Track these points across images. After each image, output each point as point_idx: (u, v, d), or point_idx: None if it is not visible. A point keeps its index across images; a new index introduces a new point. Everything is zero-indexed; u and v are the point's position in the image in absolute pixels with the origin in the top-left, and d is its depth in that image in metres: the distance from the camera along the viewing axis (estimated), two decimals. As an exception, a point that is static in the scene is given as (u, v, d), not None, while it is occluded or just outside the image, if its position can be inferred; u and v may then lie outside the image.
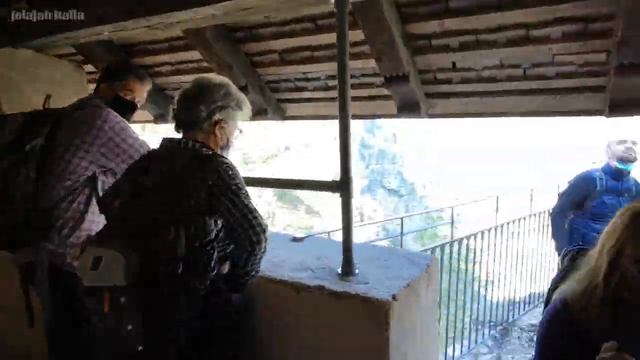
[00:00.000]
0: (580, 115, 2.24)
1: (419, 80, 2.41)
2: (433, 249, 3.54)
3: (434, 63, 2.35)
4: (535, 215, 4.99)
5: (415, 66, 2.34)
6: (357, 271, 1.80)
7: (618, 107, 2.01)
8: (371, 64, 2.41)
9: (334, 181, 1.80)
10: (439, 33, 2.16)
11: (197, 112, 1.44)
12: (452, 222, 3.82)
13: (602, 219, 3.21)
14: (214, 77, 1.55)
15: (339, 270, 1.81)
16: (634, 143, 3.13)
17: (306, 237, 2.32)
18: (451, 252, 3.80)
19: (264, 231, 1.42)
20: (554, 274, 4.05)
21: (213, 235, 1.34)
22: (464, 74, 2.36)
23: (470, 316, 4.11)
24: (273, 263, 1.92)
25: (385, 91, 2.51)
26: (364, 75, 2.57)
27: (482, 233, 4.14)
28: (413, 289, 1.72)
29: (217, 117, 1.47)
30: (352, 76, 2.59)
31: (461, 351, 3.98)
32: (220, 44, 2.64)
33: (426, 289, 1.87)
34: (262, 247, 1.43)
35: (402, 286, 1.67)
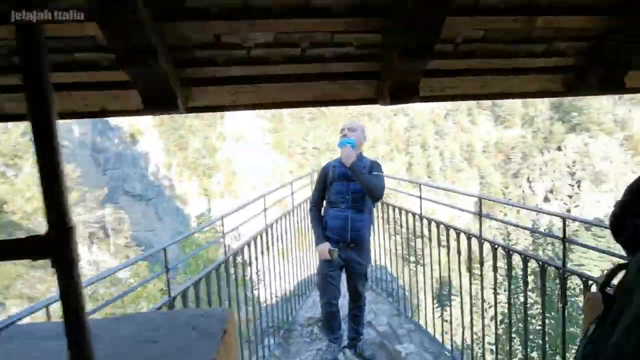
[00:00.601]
0: (359, 103, 2.06)
1: (170, 59, 1.70)
2: (207, 275, 2.90)
3: (190, 35, 1.68)
4: (296, 207, 5.03)
5: (165, 39, 1.62)
6: (110, 387, 1.00)
7: (398, 93, 1.86)
8: (90, 30, 1.54)
9: (36, 237, 0.92)
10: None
11: None
12: (223, 235, 3.26)
13: (335, 205, 3.37)
14: None
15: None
16: (349, 129, 3.36)
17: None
18: (235, 267, 3.29)
19: None
20: (316, 262, 4.11)
21: None
22: (230, 52, 1.79)
23: (255, 332, 3.71)
24: None
25: (122, 76, 1.67)
26: (79, 50, 1.65)
27: (256, 239, 3.78)
28: (215, 387, 1.07)
29: None
30: (56, 50, 1.63)
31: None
32: None
33: (229, 369, 1.24)
34: None
35: (197, 393, 0.99)
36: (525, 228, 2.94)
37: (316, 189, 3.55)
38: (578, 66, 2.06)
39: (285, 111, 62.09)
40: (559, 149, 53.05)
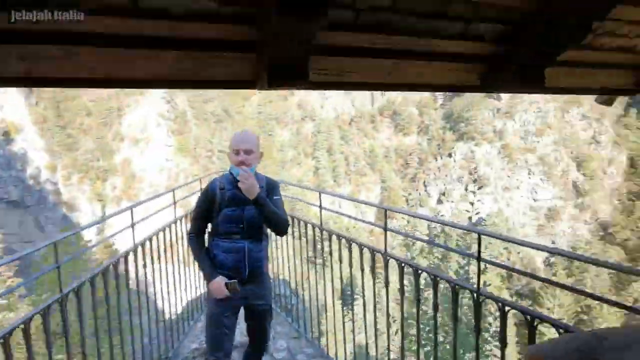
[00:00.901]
0: (227, 87, 1.48)
1: None
2: (46, 309, 2.10)
3: None
4: (180, 220, 4.27)
5: None
6: None
7: (280, 74, 1.33)
8: None
9: None
10: None
11: None
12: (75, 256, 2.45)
13: (227, 236, 2.63)
14: None
15: None
16: (245, 151, 2.62)
17: None
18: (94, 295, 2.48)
19: None
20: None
21: None
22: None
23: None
24: None
25: None
26: None
27: (117, 263, 2.99)
28: None
29: None
30: None
31: None
32: None
33: None
34: None
35: None
36: (438, 245, 2.65)
37: (197, 215, 2.72)
38: (496, 55, 1.74)
39: (189, 112, 58.60)
40: (450, 155, 58.04)
